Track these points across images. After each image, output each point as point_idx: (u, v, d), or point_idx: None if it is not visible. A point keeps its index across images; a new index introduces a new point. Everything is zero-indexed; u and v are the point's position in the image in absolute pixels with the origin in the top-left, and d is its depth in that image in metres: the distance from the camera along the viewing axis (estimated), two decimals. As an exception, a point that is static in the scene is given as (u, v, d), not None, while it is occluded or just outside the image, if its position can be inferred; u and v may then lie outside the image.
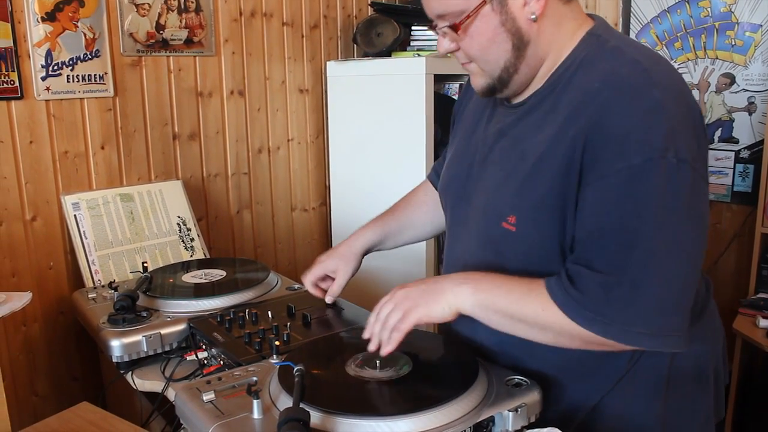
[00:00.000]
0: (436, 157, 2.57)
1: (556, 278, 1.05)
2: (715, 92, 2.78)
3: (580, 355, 1.11)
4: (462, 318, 1.15)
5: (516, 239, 1.13)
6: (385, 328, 1.14)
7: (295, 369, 1.08)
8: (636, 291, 0.99)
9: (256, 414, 1.07)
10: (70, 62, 2.11)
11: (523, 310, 1.07)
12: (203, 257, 2.31)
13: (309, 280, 1.59)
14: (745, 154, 2.74)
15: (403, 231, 1.60)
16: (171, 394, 1.43)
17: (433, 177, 1.55)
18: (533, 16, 1.06)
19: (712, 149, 2.81)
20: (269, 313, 1.57)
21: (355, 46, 2.95)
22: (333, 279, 1.58)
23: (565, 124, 1.06)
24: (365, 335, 1.18)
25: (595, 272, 1.01)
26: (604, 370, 1.15)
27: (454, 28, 1.08)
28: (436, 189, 1.49)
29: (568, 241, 1.08)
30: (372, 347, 1.16)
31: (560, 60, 1.12)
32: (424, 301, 1.13)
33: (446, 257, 1.38)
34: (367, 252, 1.57)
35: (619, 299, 1.00)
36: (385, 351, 1.14)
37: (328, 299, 1.59)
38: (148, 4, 2.27)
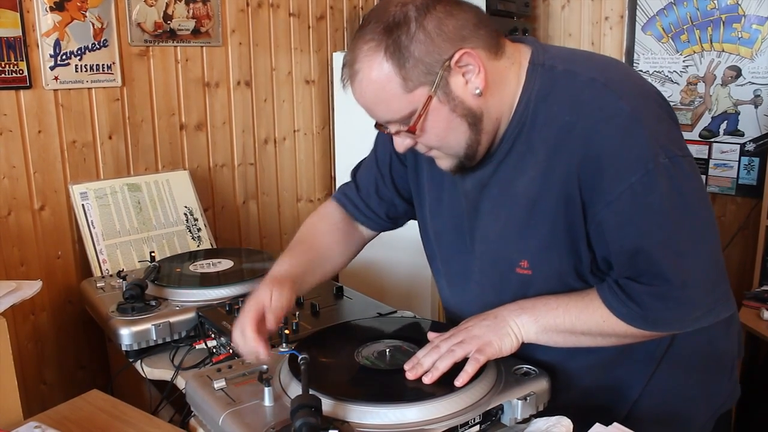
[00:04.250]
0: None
1: (609, 290, 1.08)
2: (721, 85, 2.78)
3: (608, 352, 1.16)
4: (472, 307, 1.15)
5: (535, 280, 1.14)
6: (448, 356, 1.10)
7: (300, 358, 1.09)
8: (686, 290, 1.04)
9: (267, 401, 1.08)
10: (78, 52, 2.12)
11: (584, 324, 1.10)
12: (210, 247, 2.32)
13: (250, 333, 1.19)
14: (750, 147, 2.74)
15: (323, 264, 1.41)
16: (180, 382, 1.44)
17: (347, 204, 1.45)
18: (477, 91, 1.05)
19: (717, 142, 2.82)
20: (277, 302, 1.58)
21: (361, 37, 2.95)
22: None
23: (549, 163, 1.06)
24: (407, 366, 1.12)
25: (644, 284, 1.04)
26: (638, 355, 1.18)
27: (410, 130, 1.06)
28: (353, 217, 1.45)
29: (586, 266, 1.11)
30: (412, 375, 1.10)
31: (514, 101, 1.10)
32: (495, 336, 1.12)
33: (453, 303, 1.36)
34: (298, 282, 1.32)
35: (674, 302, 1.05)
36: (461, 382, 1.07)
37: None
38: (156, -6, 2.27)
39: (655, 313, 1.05)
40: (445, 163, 1.15)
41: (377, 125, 1.14)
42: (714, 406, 1.26)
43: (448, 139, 1.09)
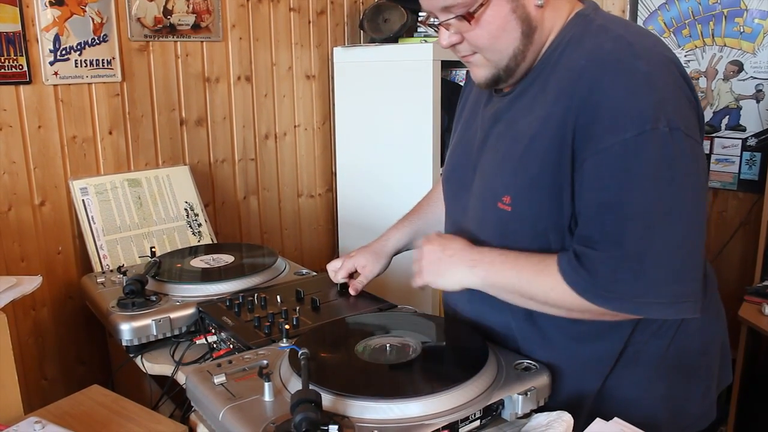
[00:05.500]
0: (443, 143, 2.57)
1: (567, 257, 1.05)
2: (723, 80, 2.77)
3: (568, 345, 1.16)
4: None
5: (513, 219, 1.13)
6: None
7: (300, 353, 1.09)
8: (641, 264, 1.00)
9: (267, 396, 1.08)
10: (78, 47, 2.11)
11: (533, 289, 1.09)
12: (211, 242, 2.32)
13: (341, 275, 1.60)
14: (752, 142, 2.73)
15: (430, 229, 1.59)
16: (180, 377, 1.44)
17: None
18: (540, 2, 1.08)
19: (719, 137, 2.81)
20: (278, 297, 1.58)
21: (361, 32, 2.94)
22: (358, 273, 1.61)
23: (554, 104, 1.07)
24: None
25: (600, 251, 1.02)
26: (596, 355, 1.16)
27: (467, 18, 1.07)
28: None
29: (566, 219, 1.08)
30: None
31: (549, 41, 1.13)
32: (441, 275, 1.21)
33: None
34: (397, 253, 1.61)
35: (627, 274, 1.00)
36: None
37: (353, 292, 1.59)
38: (156, -12, 2.27)
39: (605, 283, 1.01)
40: (481, 73, 1.16)
41: (425, 17, 1.17)
42: (681, 424, 1.21)
43: (498, 41, 1.10)
